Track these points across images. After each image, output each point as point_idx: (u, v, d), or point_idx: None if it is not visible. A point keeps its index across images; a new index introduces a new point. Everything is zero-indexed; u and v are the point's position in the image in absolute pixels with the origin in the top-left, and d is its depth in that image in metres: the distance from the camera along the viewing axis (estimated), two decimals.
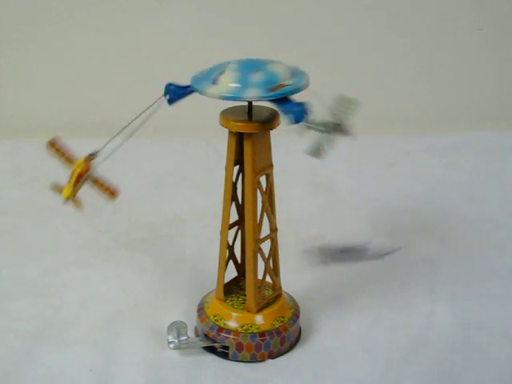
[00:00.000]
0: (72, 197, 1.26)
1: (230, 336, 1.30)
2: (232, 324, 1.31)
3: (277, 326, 1.32)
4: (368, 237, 1.68)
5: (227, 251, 1.34)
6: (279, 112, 1.20)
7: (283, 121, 1.19)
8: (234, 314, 1.32)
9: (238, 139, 1.26)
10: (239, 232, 1.37)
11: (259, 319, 1.31)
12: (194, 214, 1.77)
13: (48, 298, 1.47)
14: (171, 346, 1.30)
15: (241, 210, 1.34)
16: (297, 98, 1.20)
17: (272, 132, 1.26)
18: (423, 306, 1.46)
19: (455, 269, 1.58)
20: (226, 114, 1.25)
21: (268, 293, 1.36)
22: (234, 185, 1.31)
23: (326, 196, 1.87)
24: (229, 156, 1.27)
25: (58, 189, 1.26)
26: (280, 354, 1.32)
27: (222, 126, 1.25)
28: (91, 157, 1.25)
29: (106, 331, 1.38)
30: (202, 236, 1.68)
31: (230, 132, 1.25)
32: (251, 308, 1.31)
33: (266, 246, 1.32)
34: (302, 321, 1.38)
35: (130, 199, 1.81)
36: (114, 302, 1.47)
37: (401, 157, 2.06)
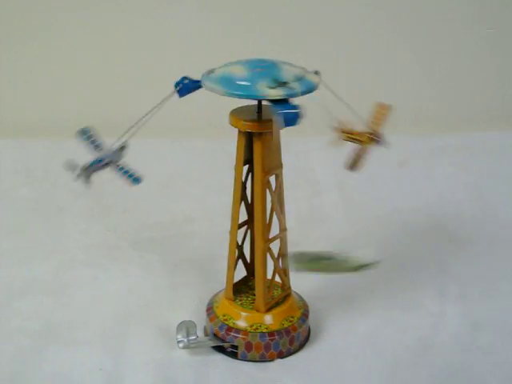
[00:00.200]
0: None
1: (239, 335, 1.30)
2: (241, 323, 1.31)
3: (286, 325, 1.32)
4: (372, 237, 1.68)
5: (236, 251, 1.34)
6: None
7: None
8: (244, 314, 1.32)
9: (248, 139, 1.25)
10: (248, 231, 1.37)
11: (268, 319, 1.31)
12: (203, 213, 1.77)
13: (57, 298, 1.48)
14: (180, 345, 1.31)
15: (250, 209, 1.34)
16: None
17: (282, 132, 1.26)
18: (432, 306, 1.46)
19: (464, 269, 1.58)
20: (236, 114, 1.25)
21: (277, 292, 1.36)
22: (244, 184, 1.31)
23: (335, 196, 1.87)
24: (238, 156, 1.27)
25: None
26: (289, 353, 1.32)
27: (232, 125, 1.25)
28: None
29: (115, 330, 1.38)
30: (211, 236, 1.68)
31: (240, 132, 1.25)
32: (260, 308, 1.31)
33: (275, 246, 1.32)
34: (311, 321, 1.38)
35: (139, 199, 1.81)
36: (123, 301, 1.47)
37: (411, 157, 2.06)
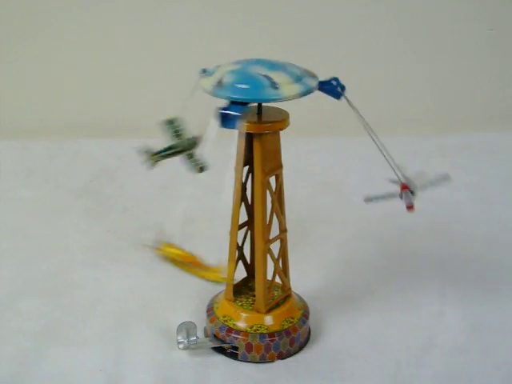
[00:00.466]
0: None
1: (240, 336, 1.30)
2: (241, 324, 1.31)
3: (286, 326, 1.31)
4: (375, 237, 1.68)
5: (237, 252, 1.34)
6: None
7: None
8: (244, 315, 1.32)
9: (248, 140, 1.25)
10: (249, 232, 1.37)
11: (268, 320, 1.31)
12: (203, 214, 1.76)
13: (57, 298, 1.48)
14: (180, 346, 1.30)
15: (250, 210, 1.34)
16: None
17: (282, 132, 1.26)
18: (433, 307, 1.46)
19: (464, 270, 1.58)
20: None
21: (277, 293, 1.35)
22: (244, 185, 1.31)
23: (335, 196, 1.87)
24: (238, 157, 1.27)
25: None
26: (289, 354, 1.32)
27: None
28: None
29: (116, 331, 1.38)
30: (211, 236, 1.68)
31: (240, 132, 1.25)
32: (260, 308, 1.31)
33: (275, 247, 1.32)
34: (311, 322, 1.38)
35: (140, 199, 1.81)
36: (124, 302, 1.47)
37: (411, 157, 2.06)
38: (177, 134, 1.25)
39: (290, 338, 1.31)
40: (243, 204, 1.33)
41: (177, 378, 1.27)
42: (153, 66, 2.18)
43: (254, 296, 1.33)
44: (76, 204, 1.83)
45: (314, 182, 1.93)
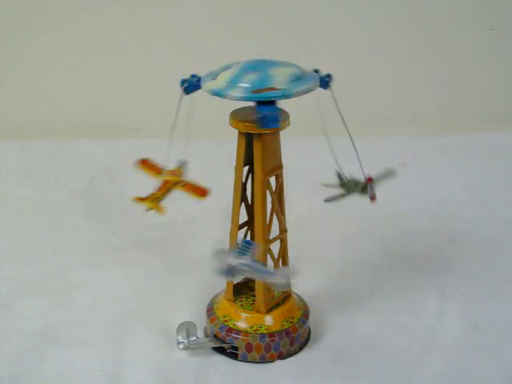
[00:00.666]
0: (155, 206, 1.24)
1: (240, 337, 1.30)
2: (241, 325, 1.31)
3: (286, 326, 1.31)
4: (375, 238, 1.68)
5: None
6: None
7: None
8: (244, 315, 1.32)
9: (248, 140, 1.25)
10: (249, 233, 1.37)
11: (269, 320, 1.31)
12: (203, 214, 1.77)
13: (57, 298, 1.48)
14: (180, 346, 1.30)
15: (250, 210, 1.34)
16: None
17: (282, 132, 1.26)
18: (433, 307, 1.46)
19: (465, 270, 1.57)
20: (236, 115, 1.25)
21: (277, 293, 1.35)
22: (244, 185, 1.31)
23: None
24: (238, 157, 1.27)
25: (139, 200, 1.25)
26: (289, 354, 1.32)
27: (232, 126, 1.25)
28: (181, 166, 1.26)
29: (116, 331, 1.38)
30: (211, 236, 1.68)
31: (240, 133, 1.25)
32: (261, 309, 1.31)
33: (275, 247, 1.32)
34: (311, 322, 1.38)
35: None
36: (124, 302, 1.47)
37: (411, 157, 2.06)
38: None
39: (290, 338, 1.31)
40: (243, 204, 1.33)
41: (177, 378, 1.27)
42: (153, 66, 2.18)
43: (254, 296, 1.33)
44: (76, 204, 1.83)
45: (313, 182, 1.93)
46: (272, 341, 1.30)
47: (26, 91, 2.21)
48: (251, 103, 1.23)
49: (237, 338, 1.30)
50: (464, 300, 1.47)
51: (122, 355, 1.32)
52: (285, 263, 1.35)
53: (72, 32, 2.18)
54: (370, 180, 1.32)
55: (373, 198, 1.33)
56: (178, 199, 1.84)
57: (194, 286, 1.51)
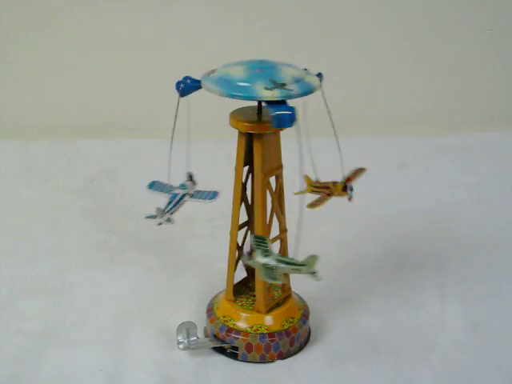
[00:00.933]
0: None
1: (240, 337, 1.30)
2: (241, 325, 1.31)
3: (286, 326, 1.31)
4: (375, 238, 1.68)
5: (237, 252, 1.34)
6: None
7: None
8: (244, 315, 1.32)
9: (248, 140, 1.25)
10: (249, 232, 1.37)
11: (269, 320, 1.31)
12: (203, 214, 1.77)
13: (57, 298, 1.48)
14: (180, 346, 1.30)
15: (250, 210, 1.34)
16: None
17: (282, 132, 1.26)
18: (433, 307, 1.46)
19: (465, 270, 1.58)
20: (236, 115, 1.25)
21: (277, 293, 1.35)
22: (244, 185, 1.31)
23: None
24: (238, 157, 1.27)
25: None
26: (289, 354, 1.32)
27: (232, 126, 1.25)
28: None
29: (116, 331, 1.38)
30: (211, 236, 1.68)
31: (240, 133, 1.25)
32: (261, 309, 1.31)
33: (275, 247, 1.32)
34: (311, 322, 1.38)
35: (139, 199, 1.81)
36: (124, 302, 1.47)
37: (411, 157, 2.06)
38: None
39: (290, 338, 1.31)
40: (243, 204, 1.33)
41: (177, 378, 1.27)
42: (153, 66, 2.18)
43: (254, 296, 1.33)
44: (76, 204, 1.83)
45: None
46: (272, 341, 1.30)
47: (26, 91, 2.21)
48: (253, 103, 1.23)
49: (237, 338, 1.30)
50: (464, 300, 1.47)
51: (122, 355, 1.32)
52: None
53: (72, 32, 2.17)
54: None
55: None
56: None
57: (194, 286, 1.51)
